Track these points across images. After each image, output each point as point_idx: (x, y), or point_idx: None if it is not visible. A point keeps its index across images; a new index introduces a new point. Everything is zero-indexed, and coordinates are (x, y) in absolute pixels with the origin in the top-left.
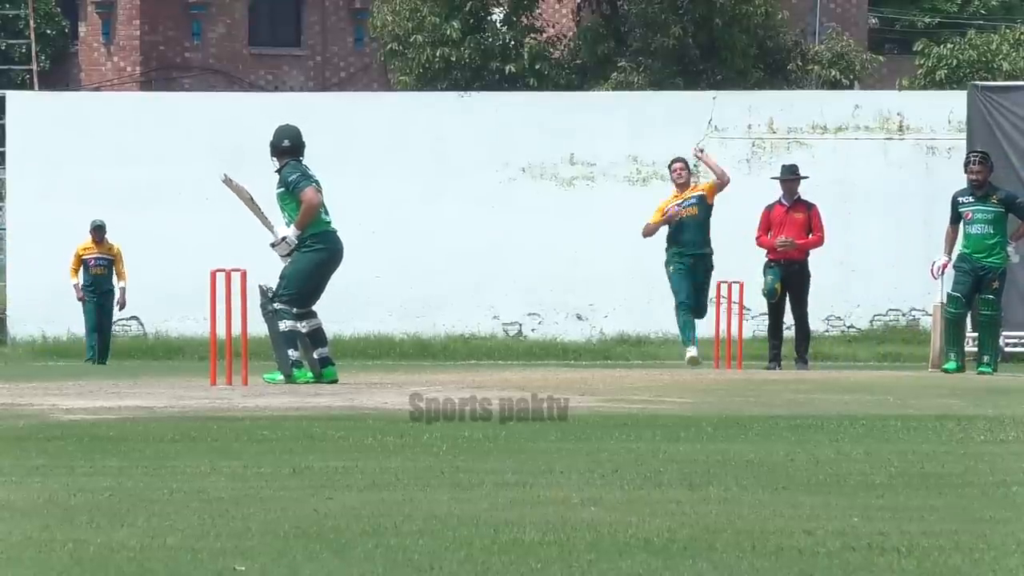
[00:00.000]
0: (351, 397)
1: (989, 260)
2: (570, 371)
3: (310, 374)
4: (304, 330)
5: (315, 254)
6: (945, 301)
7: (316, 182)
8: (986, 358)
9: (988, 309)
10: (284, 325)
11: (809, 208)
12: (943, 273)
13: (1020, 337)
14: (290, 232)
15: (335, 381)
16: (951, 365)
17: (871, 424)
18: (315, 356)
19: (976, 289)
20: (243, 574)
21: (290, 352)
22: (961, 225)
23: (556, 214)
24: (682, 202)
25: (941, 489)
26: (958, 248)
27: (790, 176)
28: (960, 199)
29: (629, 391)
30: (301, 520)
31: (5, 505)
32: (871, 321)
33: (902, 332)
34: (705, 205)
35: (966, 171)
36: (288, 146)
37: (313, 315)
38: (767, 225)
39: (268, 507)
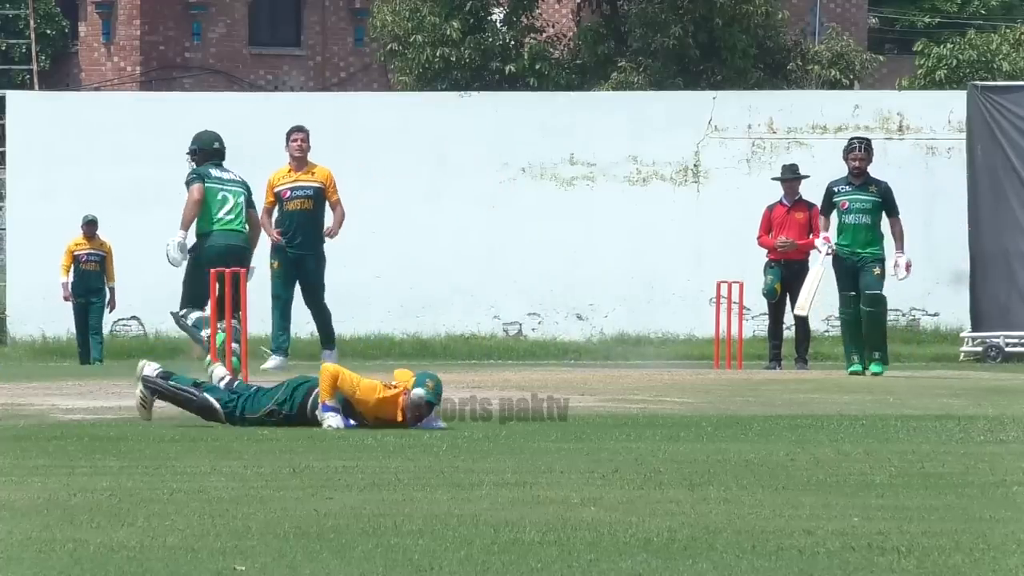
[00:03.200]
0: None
1: (868, 251)
2: (570, 371)
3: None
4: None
5: (192, 258)
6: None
7: (208, 177)
8: (877, 355)
9: (871, 305)
10: (191, 319)
11: (810, 208)
12: (832, 251)
13: (1020, 337)
14: (174, 237)
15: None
16: (856, 367)
17: (871, 424)
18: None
19: (854, 283)
20: (243, 574)
21: (203, 333)
22: (834, 217)
23: (556, 214)
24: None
25: (941, 489)
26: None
27: (791, 176)
28: (836, 188)
29: (629, 391)
30: (301, 520)
31: (5, 505)
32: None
33: (902, 332)
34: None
35: (848, 158)
36: (194, 149)
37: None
38: (768, 225)
39: (268, 507)
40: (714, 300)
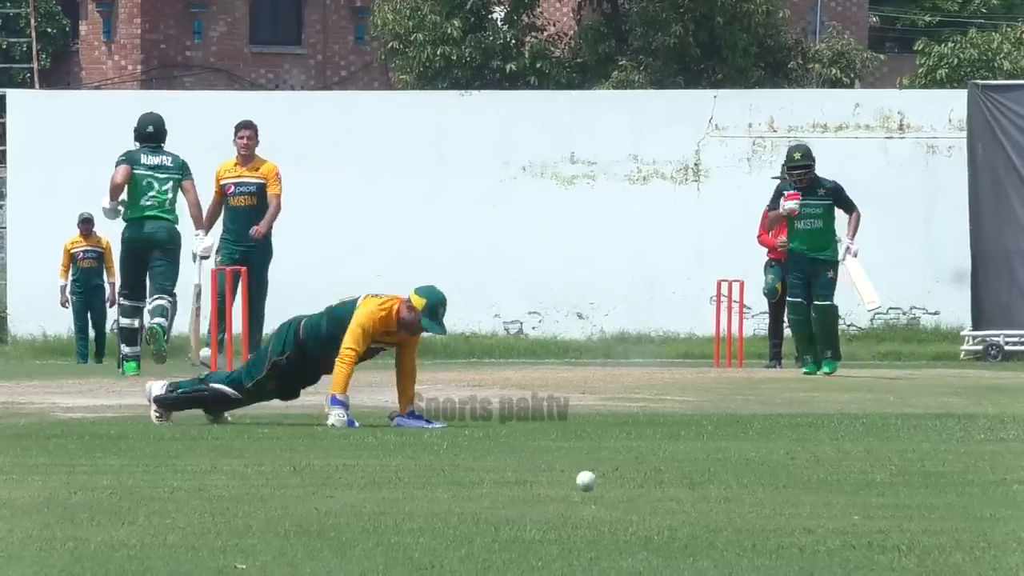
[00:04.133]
0: (351, 396)
1: (823, 255)
2: (570, 370)
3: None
4: (136, 325)
5: (121, 246)
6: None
7: (135, 162)
8: (829, 353)
9: (821, 315)
10: (123, 321)
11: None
12: (771, 229)
13: (1021, 336)
14: (103, 202)
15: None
16: (810, 368)
17: (871, 422)
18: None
19: (808, 287)
20: (244, 572)
21: (122, 347)
22: (774, 233)
23: (557, 213)
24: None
25: (941, 487)
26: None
27: (799, 166)
28: (785, 192)
29: (629, 389)
30: (302, 518)
31: (6, 503)
32: (872, 320)
33: (903, 331)
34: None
35: (789, 175)
36: (136, 132)
37: (139, 312)
38: (769, 224)
39: (269, 505)
40: (714, 299)
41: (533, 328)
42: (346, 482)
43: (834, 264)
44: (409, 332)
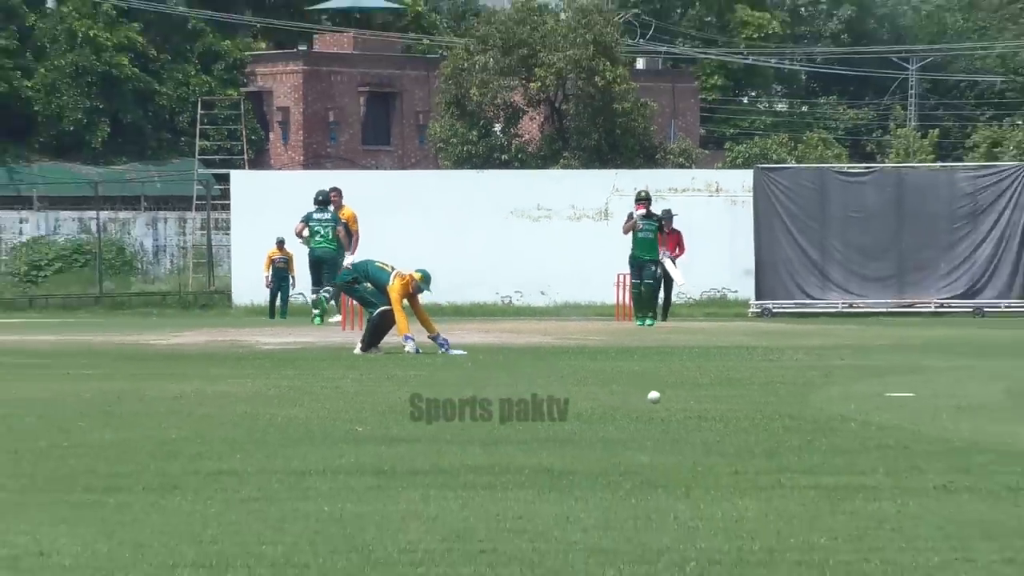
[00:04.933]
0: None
1: (650, 256)
2: (537, 322)
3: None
4: (316, 297)
5: (308, 260)
6: (631, 288)
7: (309, 220)
8: (651, 315)
9: (649, 291)
10: (311, 297)
11: (674, 232)
12: (631, 228)
13: (780, 304)
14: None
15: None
16: (649, 322)
17: (703, 351)
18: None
19: (641, 275)
20: (360, 432)
21: (313, 310)
22: (631, 235)
23: (530, 236)
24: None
25: (742, 385)
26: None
27: (667, 218)
28: (636, 215)
29: (569, 333)
30: (395, 403)
31: (229, 395)
32: (701, 295)
33: (718, 301)
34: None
35: (644, 204)
36: (314, 198)
37: (318, 292)
38: (625, 229)
39: (376, 395)
40: (615, 284)
41: (517, 300)
42: (414, 382)
43: (656, 261)
44: (417, 292)
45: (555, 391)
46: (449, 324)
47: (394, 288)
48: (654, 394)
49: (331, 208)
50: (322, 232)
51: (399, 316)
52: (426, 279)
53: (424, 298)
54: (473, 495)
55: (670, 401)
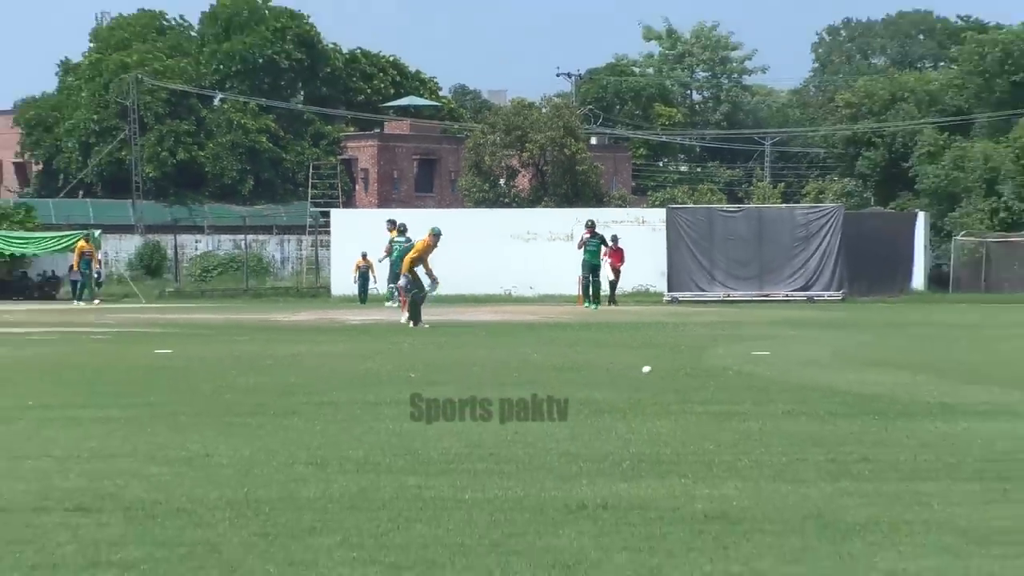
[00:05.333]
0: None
1: (592, 262)
2: (525, 307)
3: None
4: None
5: (389, 267)
6: (583, 280)
7: (392, 243)
8: (596, 301)
9: (595, 285)
10: (391, 288)
11: (620, 249)
12: (582, 245)
13: (685, 295)
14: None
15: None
16: (594, 306)
17: (634, 325)
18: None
19: (593, 272)
20: (413, 379)
21: (399, 284)
22: (583, 249)
23: (522, 251)
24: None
25: (659, 347)
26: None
27: (613, 241)
28: (585, 236)
29: (545, 313)
30: (429, 360)
31: (329, 353)
32: (632, 288)
33: (643, 293)
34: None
35: (590, 230)
36: (397, 227)
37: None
38: (580, 245)
39: (424, 356)
40: (576, 282)
41: (514, 292)
42: (448, 347)
43: (598, 268)
44: (433, 244)
45: (542, 354)
46: (471, 307)
47: (415, 247)
48: (646, 368)
49: (407, 234)
50: (398, 249)
51: (405, 264)
52: (436, 233)
53: (452, 290)
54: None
55: (614, 357)
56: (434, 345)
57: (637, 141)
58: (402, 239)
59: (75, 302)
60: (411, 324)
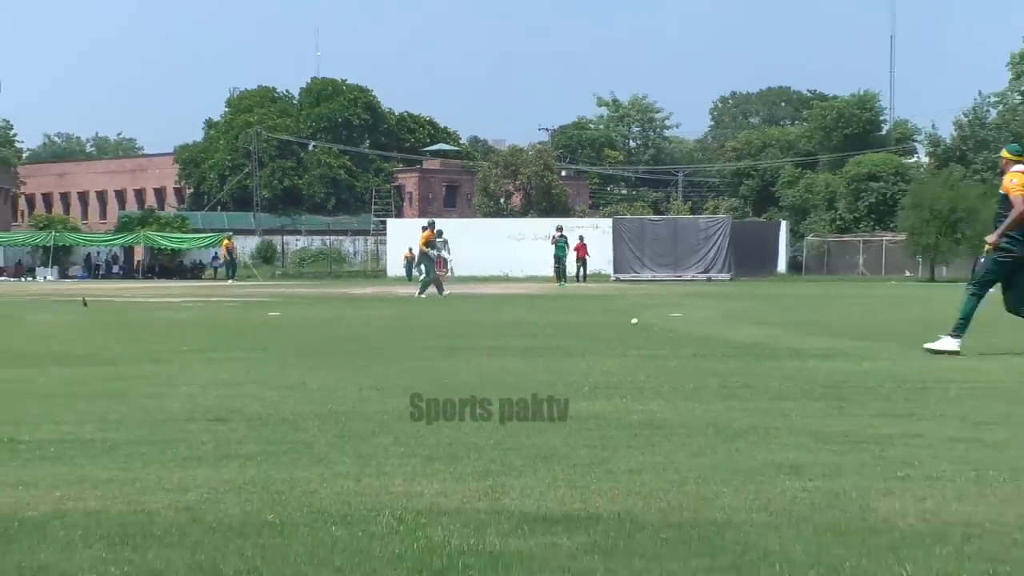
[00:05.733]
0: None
1: (560, 254)
2: (518, 284)
3: None
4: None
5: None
6: (554, 263)
7: (438, 238)
8: (564, 279)
9: (563, 265)
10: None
11: (584, 245)
12: (554, 242)
13: (626, 276)
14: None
15: None
16: (564, 284)
17: (589, 296)
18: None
19: (559, 262)
20: (440, 332)
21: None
22: (554, 245)
23: (516, 247)
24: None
25: (608, 313)
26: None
27: (579, 239)
28: (555, 235)
29: (533, 289)
30: (460, 319)
31: (384, 315)
32: (591, 272)
33: (598, 275)
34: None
35: (559, 232)
36: (436, 229)
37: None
38: (552, 241)
39: (449, 317)
40: (551, 268)
41: (511, 275)
42: (465, 311)
43: (564, 258)
44: (433, 235)
45: (530, 316)
46: (480, 285)
47: (423, 238)
48: (634, 320)
49: (444, 236)
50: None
51: (420, 250)
52: (430, 225)
53: (468, 272)
54: (492, 358)
55: (575, 318)
56: (457, 311)
57: (593, 174)
58: (441, 239)
59: (228, 280)
60: (420, 295)
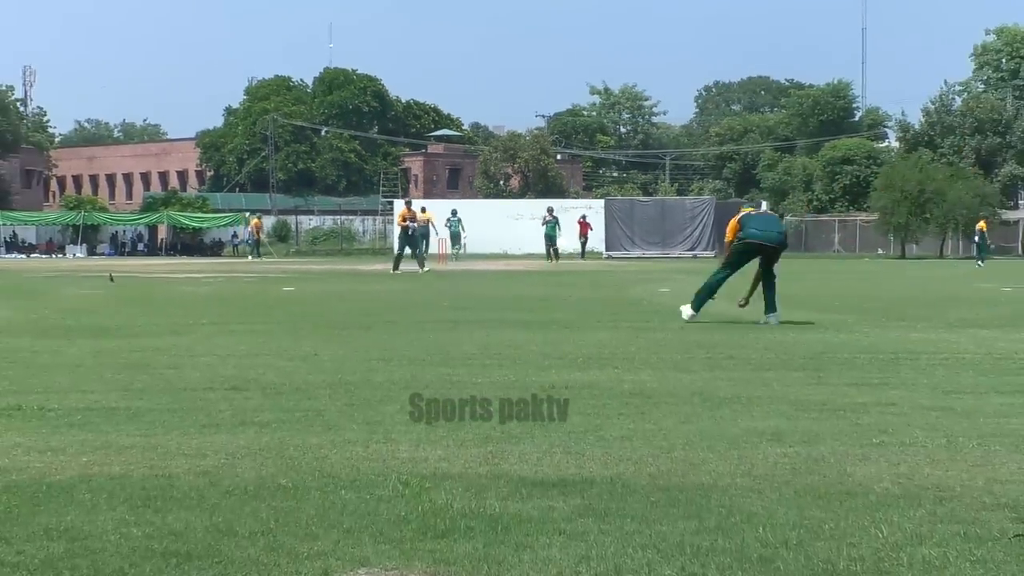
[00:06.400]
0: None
1: (551, 234)
2: (517, 261)
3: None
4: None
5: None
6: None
7: (452, 216)
8: (555, 257)
9: (556, 247)
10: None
11: (587, 224)
12: (544, 223)
13: (617, 254)
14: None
15: None
16: (553, 261)
17: (583, 272)
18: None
19: (552, 243)
20: (445, 306)
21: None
22: (545, 225)
23: (515, 226)
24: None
25: (599, 287)
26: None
27: (582, 218)
28: (546, 216)
29: (529, 267)
30: (460, 294)
31: (392, 289)
32: (591, 251)
33: (593, 253)
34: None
35: (549, 214)
36: (406, 204)
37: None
38: (581, 224)
39: (453, 291)
40: (544, 247)
41: (510, 252)
42: (458, 285)
43: (554, 238)
44: (408, 212)
45: (528, 291)
46: (484, 261)
47: (400, 215)
48: (664, 289)
49: (458, 215)
50: (453, 224)
51: (399, 225)
52: (408, 203)
53: (472, 250)
54: (492, 331)
55: (568, 292)
56: (459, 286)
57: (586, 157)
58: (455, 218)
59: (250, 257)
60: (394, 271)
